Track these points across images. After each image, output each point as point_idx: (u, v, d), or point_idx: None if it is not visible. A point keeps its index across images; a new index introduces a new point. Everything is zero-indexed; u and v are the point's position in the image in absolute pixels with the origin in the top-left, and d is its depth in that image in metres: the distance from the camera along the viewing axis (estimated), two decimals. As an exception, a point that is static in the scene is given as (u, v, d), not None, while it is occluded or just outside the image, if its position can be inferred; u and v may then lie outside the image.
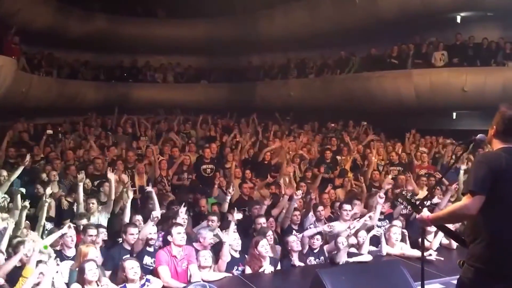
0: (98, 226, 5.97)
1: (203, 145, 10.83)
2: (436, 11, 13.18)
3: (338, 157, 10.60)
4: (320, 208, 7.12)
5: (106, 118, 14.25)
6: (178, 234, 5.44)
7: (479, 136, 3.30)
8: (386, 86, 13.90)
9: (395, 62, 13.94)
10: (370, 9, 14.12)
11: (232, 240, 5.74)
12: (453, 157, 8.96)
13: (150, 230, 5.57)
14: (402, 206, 7.37)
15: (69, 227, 5.39)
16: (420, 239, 4.34)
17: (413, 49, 13.86)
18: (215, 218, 6.40)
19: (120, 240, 5.84)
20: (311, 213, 7.10)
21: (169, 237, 5.48)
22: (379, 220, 6.91)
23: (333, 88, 15.41)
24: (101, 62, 19.37)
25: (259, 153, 10.39)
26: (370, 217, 6.60)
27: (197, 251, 5.64)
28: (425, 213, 3.32)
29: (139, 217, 6.25)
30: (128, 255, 5.53)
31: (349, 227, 6.26)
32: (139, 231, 5.65)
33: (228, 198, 7.36)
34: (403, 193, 7.96)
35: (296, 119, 15.27)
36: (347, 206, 6.81)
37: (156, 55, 19.76)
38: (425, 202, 3.50)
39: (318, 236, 6.12)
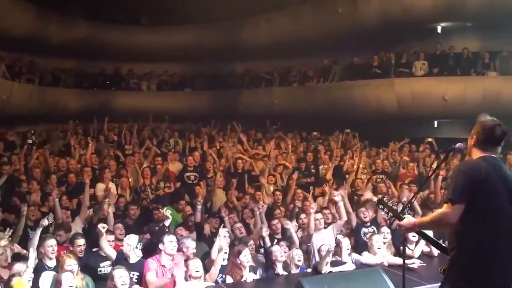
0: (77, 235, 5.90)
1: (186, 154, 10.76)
2: (417, 20, 13.37)
3: (321, 166, 10.55)
4: (303, 216, 7.08)
5: (89, 126, 14.10)
6: (170, 243, 5.38)
7: (458, 144, 3.36)
8: (368, 94, 14.04)
9: (378, 71, 14.07)
10: (353, 17, 14.26)
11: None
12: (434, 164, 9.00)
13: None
14: (383, 212, 7.37)
15: (47, 219, 5.39)
16: (401, 247, 4.37)
17: (394, 58, 14.02)
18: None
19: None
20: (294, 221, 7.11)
21: (160, 246, 5.40)
22: (366, 227, 6.89)
23: (316, 97, 15.49)
24: (84, 69, 19.09)
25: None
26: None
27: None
28: (411, 218, 3.35)
29: (119, 225, 6.19)
30: (108, 262, 5.53)
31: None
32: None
33: (199, 207, 7.11)
34: (384, 199, 7.95)
35: (283, 128, 15.27)
36: (318, 216, 6.76)
37: (139, 62, 19.56)
38: (406, 210, 3.53)
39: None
